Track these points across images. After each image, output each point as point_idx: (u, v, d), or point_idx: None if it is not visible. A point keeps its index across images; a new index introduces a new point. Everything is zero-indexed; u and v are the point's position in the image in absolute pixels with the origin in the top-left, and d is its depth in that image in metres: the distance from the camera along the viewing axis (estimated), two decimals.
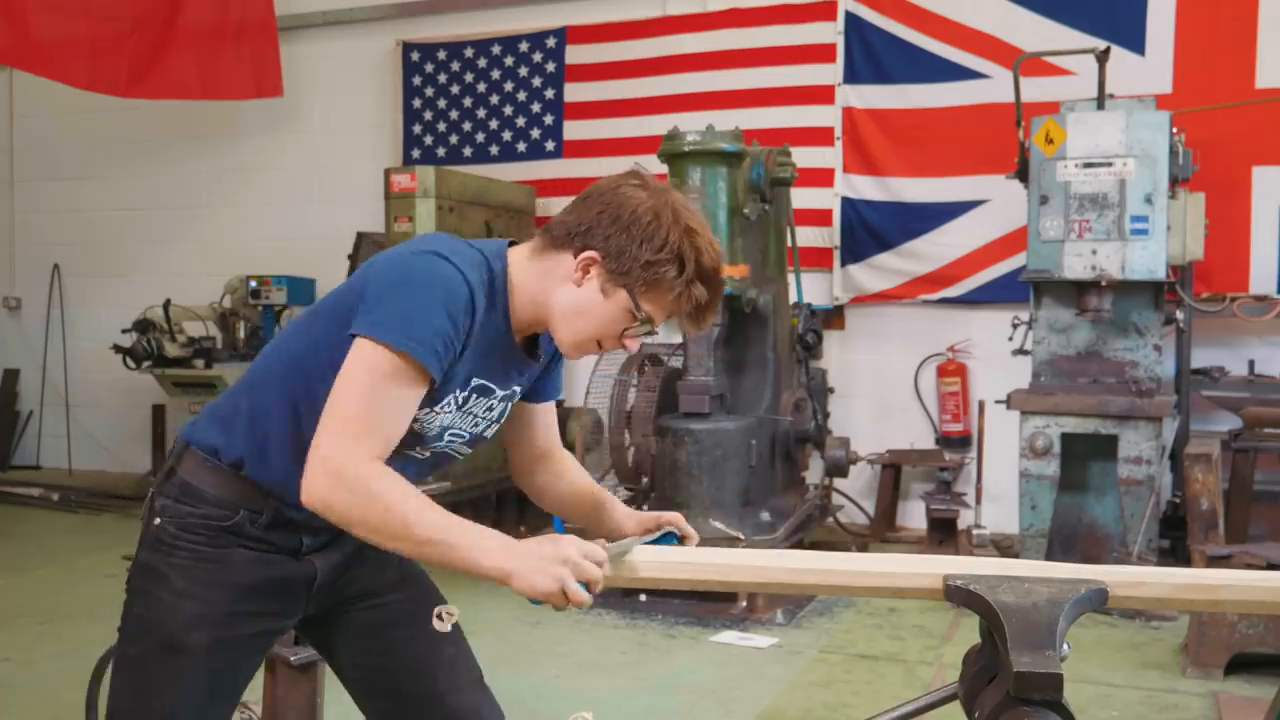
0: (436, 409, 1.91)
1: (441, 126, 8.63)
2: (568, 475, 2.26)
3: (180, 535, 1.94)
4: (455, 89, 8.57)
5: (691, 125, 5.95)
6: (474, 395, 1.97)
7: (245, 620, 1.98)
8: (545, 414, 2.23)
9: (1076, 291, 5.76)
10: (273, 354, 2.02)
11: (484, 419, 2.03)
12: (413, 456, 1.99)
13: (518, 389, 2.07)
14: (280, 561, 2.00)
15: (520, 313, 1.95)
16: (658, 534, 2.07)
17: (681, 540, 2.08)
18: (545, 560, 1.73)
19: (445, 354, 1.82)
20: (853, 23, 7.44)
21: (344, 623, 2.14)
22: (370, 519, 1.74)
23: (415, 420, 1.89)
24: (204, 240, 9.40)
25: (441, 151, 8.59)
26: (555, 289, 1.92)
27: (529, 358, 2.04)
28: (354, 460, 1.74)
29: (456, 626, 2.18)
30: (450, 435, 2.00)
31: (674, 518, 2.11)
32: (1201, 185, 6.08)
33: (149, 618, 1.96)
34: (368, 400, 1.77)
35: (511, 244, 2.00)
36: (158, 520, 1.97)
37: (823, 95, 7.53)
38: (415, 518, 1.74)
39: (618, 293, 1.89)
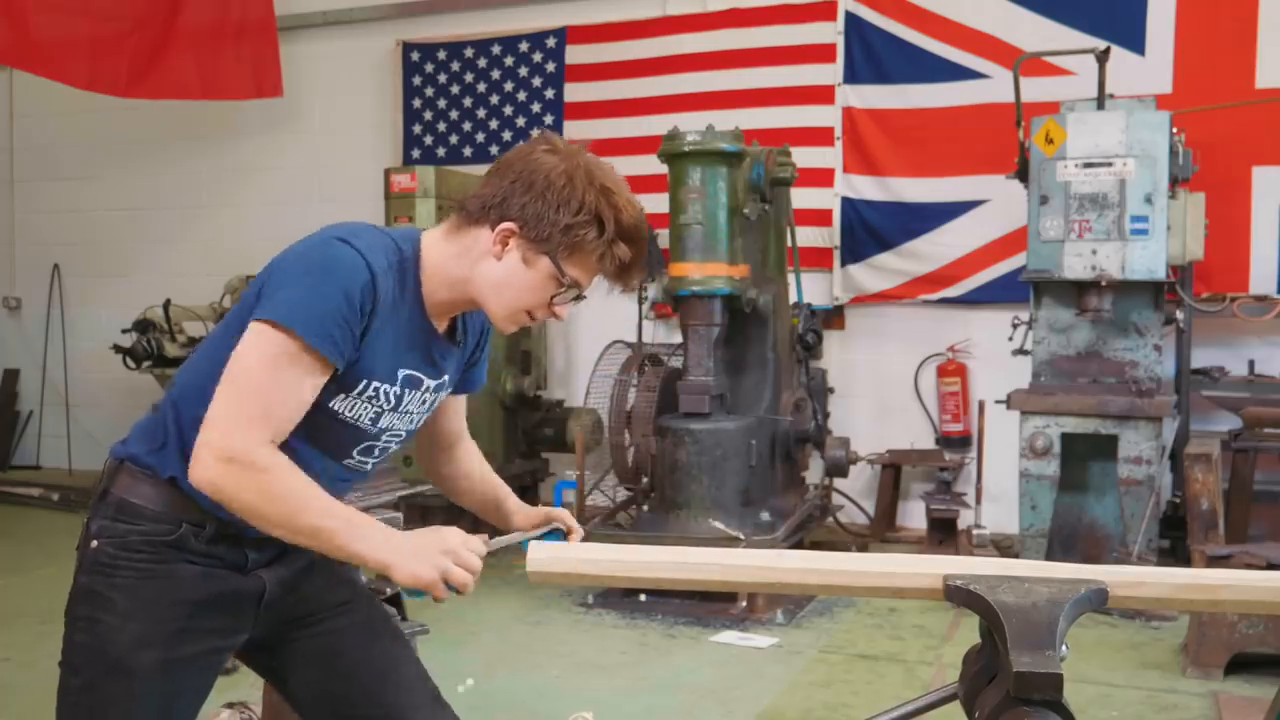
0: (362, 398, 1.88)
1: (441, 126, 8.63)
2: (471, 466, 2.26)
3: (119, 555, 1.88)
4: (455, 89, 8.57)
5: (691, 125, 5.95)
6: (406, 390, 1.93)
7: (193, 638, 1.91)
8: (457, 402, 2.21)
9: (1076, 291, 5.75)
10: (195, 365, 1.95)
11: (417, 413, 2.01)
12: (358, 464, 1.98)
13: (448, 377, 2.04)
14: (227, 576, 1.94)
15: (438, 295, 1.92)
16: (545, 529, 2.12)
17: (566, 536, 2.11)
18: (426, 550, 1.76)
19: (341, 337, 1.78)
20: (853, 23, 7.43)
21: (294, 650, 2.08)
22: (258, 503, 1.73)
23: (350, 417, 1.88)
24: (204, 240, 9.39)
25: (441, 151, 8.59)
26: (476, 265, 1.89)
27: (450, 342, 2.01)
28: (244, 444, 1.72)
29: (408, 644, 2.19)
30: (389, 436, 1.99)
31: (560, 514, 2.13)
32: (1201, 185, 6.07)
33: (93, 643, 1.88)
34: (258, 383, 1.75)
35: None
36: (95, 543, 1.90)
37: (823, 95, 7.53)
38: (303, 505, 1.74)
39: (540, 260, 1.86)
